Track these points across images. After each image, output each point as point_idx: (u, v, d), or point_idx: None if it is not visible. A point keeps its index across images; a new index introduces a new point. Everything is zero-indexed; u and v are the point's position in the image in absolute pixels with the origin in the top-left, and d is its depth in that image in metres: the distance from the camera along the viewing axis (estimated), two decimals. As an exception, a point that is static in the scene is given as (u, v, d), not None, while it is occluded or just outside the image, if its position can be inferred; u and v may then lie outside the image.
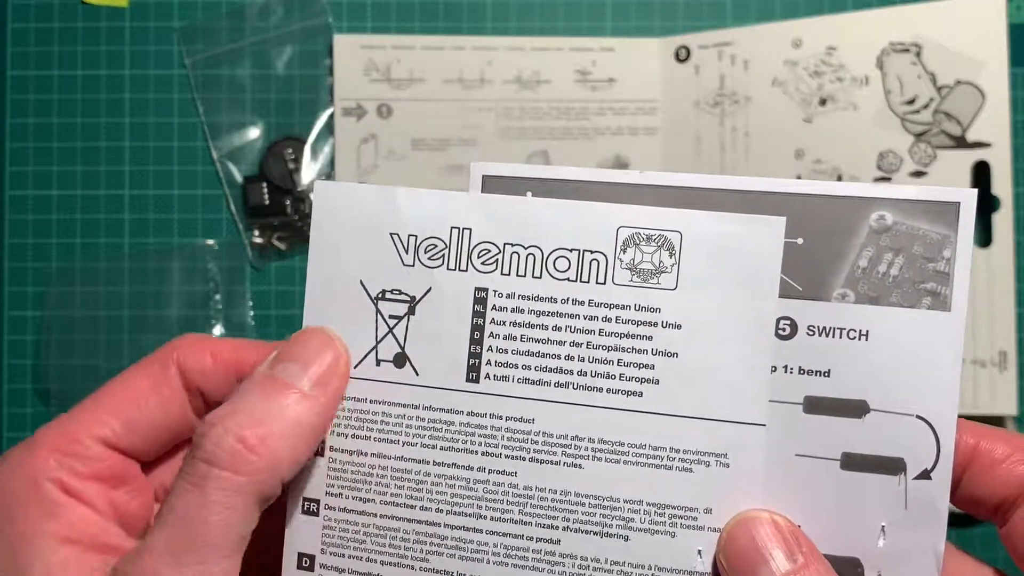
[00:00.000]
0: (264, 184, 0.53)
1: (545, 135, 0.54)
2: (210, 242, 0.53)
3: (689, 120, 0.54)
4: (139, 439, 0.26)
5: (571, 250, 0.25)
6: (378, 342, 0.26)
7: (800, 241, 0.25)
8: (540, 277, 0.25)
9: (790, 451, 0.25)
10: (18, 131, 0.53)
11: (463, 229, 0.25)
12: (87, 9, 0.54)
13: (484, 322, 0.25)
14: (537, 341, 0.25)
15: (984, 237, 0.50)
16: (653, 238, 0.25)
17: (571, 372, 0.25)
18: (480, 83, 0.54)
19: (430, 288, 0.25)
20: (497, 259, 0.25)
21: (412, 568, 0.25)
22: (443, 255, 0.25)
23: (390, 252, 0.25)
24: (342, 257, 0.26)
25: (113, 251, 0.53)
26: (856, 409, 0.25)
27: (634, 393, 0.25)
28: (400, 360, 0.26)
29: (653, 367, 0.25)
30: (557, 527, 0.25)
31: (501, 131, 0.54)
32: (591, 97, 0.54)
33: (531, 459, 0.25)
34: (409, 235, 0.25)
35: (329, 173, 0.53)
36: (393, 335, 0.26)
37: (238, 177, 0.53)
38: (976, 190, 0.24)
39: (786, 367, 0.25)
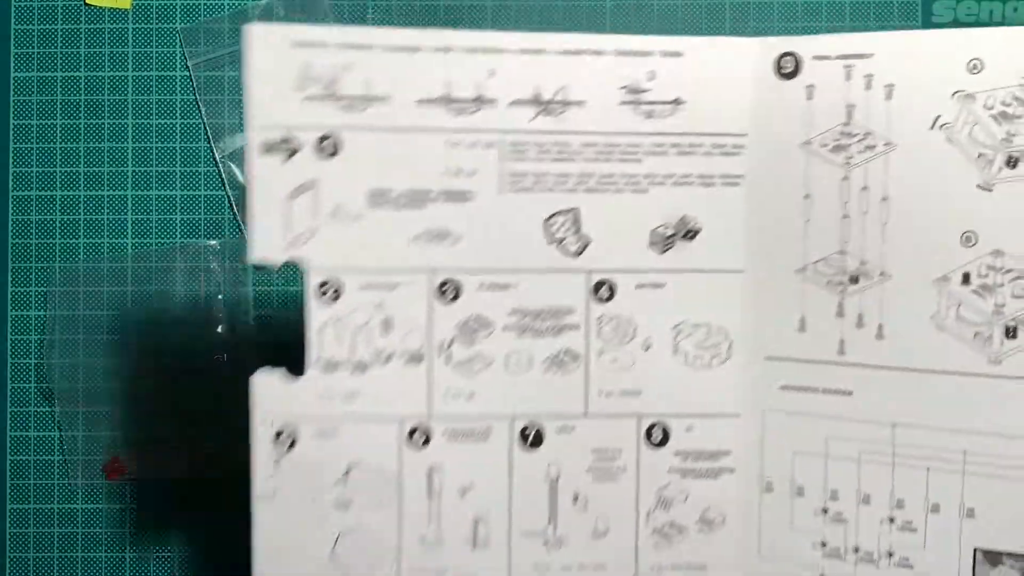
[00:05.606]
0: (266, 185, 0.53)
1: (575, 186, 0.36)
2: (213, 242, 0.54)
3: (793, 167, 0.36)
4: None
5: None
6: None
7: None
8: None
9: None
10: (21, 132, 0.53)
11: None
12: (90, 11, 0.54)
13: None
14: None
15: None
16: None
17: None
18: (477, 104, 0.35)
19: None
20: None
21: None
22: None
23: None
24: None
25: (116, 251, 0.53)
26: None
27: None
28: None
29: None
30: None
31: (508, 178, 0.35)
32: (644, 128, 0.36)
33: None
34: None
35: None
36: None
37: (240, 178, 0.53)
38: None
39: None
